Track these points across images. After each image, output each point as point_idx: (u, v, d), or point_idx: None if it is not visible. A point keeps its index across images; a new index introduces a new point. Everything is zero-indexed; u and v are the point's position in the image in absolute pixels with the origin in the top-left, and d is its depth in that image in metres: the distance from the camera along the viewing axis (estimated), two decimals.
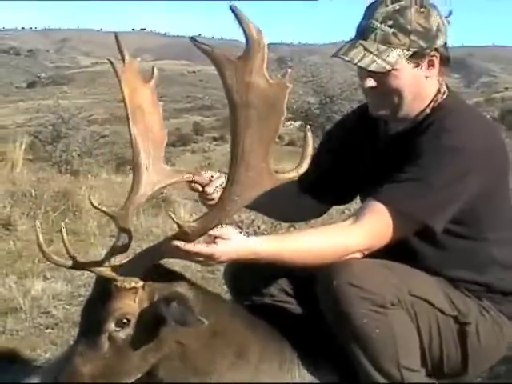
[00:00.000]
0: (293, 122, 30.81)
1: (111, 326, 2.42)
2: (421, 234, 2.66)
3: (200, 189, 2.89)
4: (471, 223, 2.73)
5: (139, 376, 2.50)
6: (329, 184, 3.04)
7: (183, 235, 2.30)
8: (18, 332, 4.55)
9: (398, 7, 2.64)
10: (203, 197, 2.90)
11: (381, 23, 2.64)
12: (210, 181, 2.86)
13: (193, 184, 2.90)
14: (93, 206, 2.56)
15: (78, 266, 2.45)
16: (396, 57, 2.63)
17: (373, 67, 2.63)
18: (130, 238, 2.50)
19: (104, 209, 2.51)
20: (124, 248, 2.48)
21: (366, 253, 2.61)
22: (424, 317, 2.64)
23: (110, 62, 2.64)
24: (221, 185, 2.79)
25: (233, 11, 2.06)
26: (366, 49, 2.64)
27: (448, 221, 2.63)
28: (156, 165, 2.68)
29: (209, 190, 2.85)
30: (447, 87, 2.82)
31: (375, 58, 2.62)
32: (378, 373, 2.58)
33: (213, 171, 2.92)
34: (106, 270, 2.44)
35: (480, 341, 2.75)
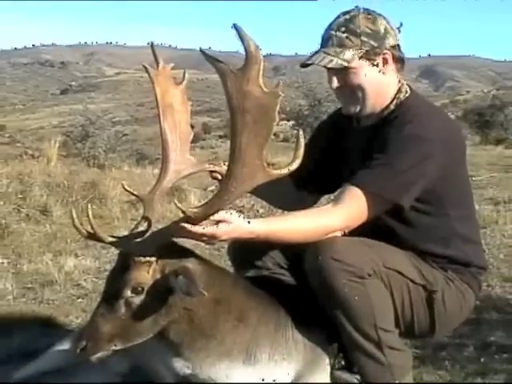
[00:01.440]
0: (286, 122, 30.80)
1: (128, 292, 2.44)
2: (392, 213, 2.67)
3: (219, 177, 2.89)
4: (434, 202, 2.72)
5: (151, 336, 2.51)
6: (314, 178, 3.03)
7: (187, 219, 2.31)
8: (54, 301, 4.58)
9: (348, 17, 2.70)
10: None
11: (335, 31, 2.69)
12: None
13: (213, 173, 2.92)
14: (125, 189, 2.63)
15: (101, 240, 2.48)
16: (351, 55, 2.66)
17: (331, 65, 2.66)
18: (152, 219, 2.52)
19: (135, 192, 2.59)
20: (147, 226, 2.50)
21: (347, 231, 2.62)
22: (397, 286, 2.64)
23: (145, 68, 2.68)
24: None
25: (236, 29, 2.09)
26: (325, 52, 2.68)
27: (414, 199, 2.64)
28: (182, 156, 2.69)
29: None
30: (410, 88, 2.82)
31: (333, 58, 2.66)
32: (358, 333, 2.58)
33: None
34: (125, 246, 2.48)
35: (445, 306, 2.75)
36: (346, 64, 2.66)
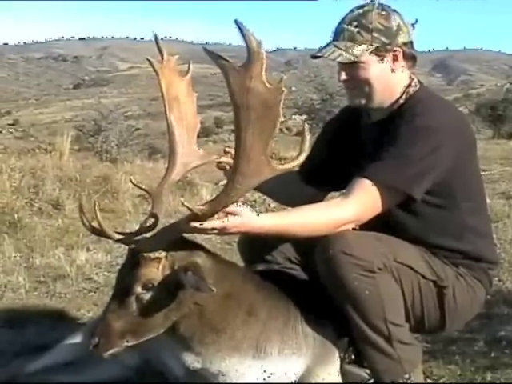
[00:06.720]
0: (299, 116, 30.73)
1: (138, 289, 2.46)
2: (403, 207, 2.67)
3: (227, 167, 2.89)
4: (445, 194, 2.71)
5: (162, 331, 2.53)
6: (325, 173, 3.03)
7: (195, 216, 2.31)
8: (66, 295, 4.59)
9: (361, 11, 2.70)
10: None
11: (347, 25, 2.69)
12: None
13: (220, 164, 2.91)
14: (133, 184, 2.67)
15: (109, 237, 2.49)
16: (361, 50, 2.66)
17: (340, 59, 2.66)
18: (160, 214, 2.54)
19: (143, 186, 2.61)
20: (156, 219, 2.53)
21: (358, 224, 2.62)
22: (407, 280, 2.64)
23: (149, 61, 2.66)
24: None
25: (237, 26, 2.09)
26: (335, 46, 2.68)
27: (425, 192, 2.63)
28: (189, 148, 2.70)
29: None
30: (419, 81, 2.82)
31: (343, 52, 2.66)
32: (368, 327, 2.58)
33: None
34: (135, 243, 2.48)
35: (456, 302, 2.76)
36: (354, 59, 2.65)
